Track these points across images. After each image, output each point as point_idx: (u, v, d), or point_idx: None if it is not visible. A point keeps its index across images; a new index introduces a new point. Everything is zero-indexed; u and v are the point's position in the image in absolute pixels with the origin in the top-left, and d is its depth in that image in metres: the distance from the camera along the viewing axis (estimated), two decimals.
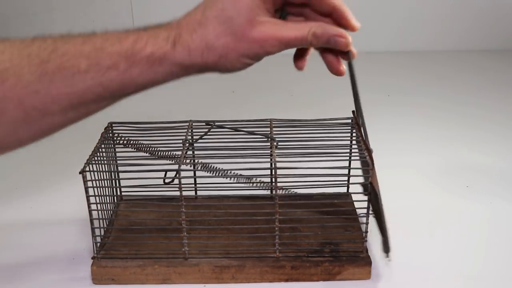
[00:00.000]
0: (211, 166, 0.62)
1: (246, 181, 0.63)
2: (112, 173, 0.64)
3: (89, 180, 0.56)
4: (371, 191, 0.56)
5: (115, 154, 0.65)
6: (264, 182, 0.64)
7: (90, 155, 0.58)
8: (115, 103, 0.53)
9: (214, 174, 0.62)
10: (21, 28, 1.38)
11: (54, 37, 0.50)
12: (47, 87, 0.49)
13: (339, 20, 0.52)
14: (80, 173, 0.55)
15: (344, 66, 0.54)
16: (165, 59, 0.49)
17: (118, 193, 0.68)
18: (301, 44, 0.51)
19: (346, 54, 0.53)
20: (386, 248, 0.57)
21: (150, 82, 0.51)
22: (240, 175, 0.62)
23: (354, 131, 0.64)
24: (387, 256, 0.58)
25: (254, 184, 0.63)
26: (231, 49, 0.49)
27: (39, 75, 0.48)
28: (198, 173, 0.63)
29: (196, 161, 0.63)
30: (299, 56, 0.55)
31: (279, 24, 0.50)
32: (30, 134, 0.52)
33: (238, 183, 0.62)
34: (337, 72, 0.54)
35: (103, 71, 0.49)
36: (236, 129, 0.64)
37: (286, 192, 0.64)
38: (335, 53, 0.54)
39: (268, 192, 0.66)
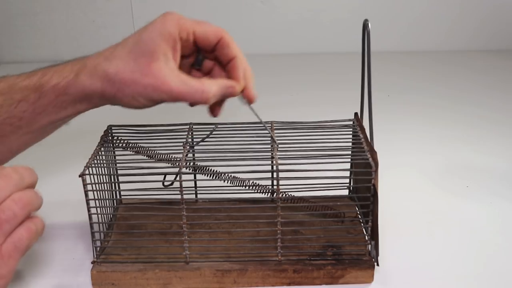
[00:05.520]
0: (211, 169, 0.62)
1: (247, 184, 0.62)
2: (112, 176, 0.63)
3: (89, 184, 0.55)
4: (373, 193, 0.56)
5: (114, 158, 0.65)
6: (265, 186, 0.63)
7: (89, 159, 0.57)
8: (37, 137, 0.59)
9: (214, 178, 0.62)
10: (21, 28, 1.37)
11: None
12: None
13: (231, 71, 0.57)
14: (79, 176, 0.55)
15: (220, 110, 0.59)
16: (69, 87, 0.55)
17: (118, 197, 0.68)
18: (192, 100, 0.54)
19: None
20: (375, 252, 0.57)
21: (60, 111, 0.56)
22: (241, 178, 0.62)
23: (356, 132, 0.64)
24: (375, 260, 0.58)
25: (255, 188, 0.63)
26: (127, 86, 0.53)
27: None
28: (198, 176, 0.62)
29: (196, 164, 0.62)
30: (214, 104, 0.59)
31: (177, 77, 0.54)
32: None
33: (239, 186, 0.62)
34: (213, 115, 0.59)
35: (15, 104, 0.55)
36: (236, 132, 0.63)
37: (288, 195, 0.63)
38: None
39: (270, 195, 0.66)
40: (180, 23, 0.54)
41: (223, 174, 0.62)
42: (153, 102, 0.55)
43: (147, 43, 0.53)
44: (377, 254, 0.58)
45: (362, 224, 0.63)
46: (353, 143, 0.63)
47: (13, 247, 0.46)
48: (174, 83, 0.53)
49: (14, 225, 0.45)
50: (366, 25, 0.58)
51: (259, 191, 0.64)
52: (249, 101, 0.57)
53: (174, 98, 0.54)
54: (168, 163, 0.61)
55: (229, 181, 0.61)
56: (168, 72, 0.53)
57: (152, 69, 0.53)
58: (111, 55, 0.54)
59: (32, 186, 0.49)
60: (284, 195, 0.62)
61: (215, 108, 0.59)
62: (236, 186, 0.62)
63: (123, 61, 0.53)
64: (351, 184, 0.67)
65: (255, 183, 0.63)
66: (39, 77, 0.56)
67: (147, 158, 0.62)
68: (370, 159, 0.56)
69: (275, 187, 0.57)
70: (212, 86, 0.54)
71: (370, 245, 0.58)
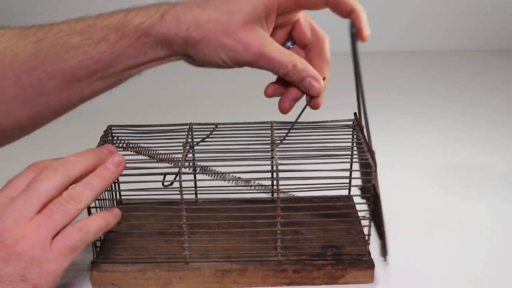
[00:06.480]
0: (211, 169, 0.62)
1: (247, 184, 0.62)
2: None
3: None
4: (373, 193, 0.56)
5: None
6: (265, 185, 0.63)
7: None
8: (109, 85, 0.54)
9: (214, 178, 0.62)
10: None
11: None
12: (42, 63, 0.51)
13: (355, 21, 0.54)
14: None
15: (292, 105, 0.56)
16: (152, 28, 0.50)
17: (118, 197, 0.68)
18: (278, 68, 0.52)
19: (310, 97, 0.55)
20: (384, 251, 0.57)
21: (139, 56, 0.52)
22: (241, 178, 0.62)
23: (356, 132, 0.64)
24: (385, 260, 0.58)
25: (255, 187, 0.63)
26: (216, 36, 0.50)
27: (34, 52, 0.51)
28: (198, 176, 0.62)
29: (196, 164, 0.62)
30: (285, 96, 0.56)
31: (269, 41, 0.51)
32: (28, 114, 0.53)
33: (239, 186, 0.62)
34: (282, 110, 0.56)
35: (94, 44, 0.51)
36: (236, 132, 0.63)
37: (288, 195, 0.63)
38: (294, 94, 0.55)
39: (269, 195, 0.66)
40: None
41: (223, 174, 0.62)
42: (233, 62, 0.52)
43: (247, 1, 0.51)
44: (386, 253, 0.57)
45: (362, 224, 0.63)
46: (353, 143, 0.63)
47: (64, 244, 0.46)
48: (268, 48, 0.50)
49: (67, 217, 0.46)
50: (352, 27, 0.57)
51: (259, 191, 0.64)
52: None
53: (262, 62, 0.51)
54: (168, 163, 0.61)
55: (229, 181, 0.61)
56: (265, 35, 0.51)
57: (248, 27, 0.50)
58: (205, 3, 0.51)
59: (93, 167, 0.50)
60: (284, 195, 0.62)
61: (288, 101, 0.56)
62: (236, 186, 0.62)
63: (217, 11, 0.50)
64: (351, 184, 0.67)
65: (255, 183, 0.63)
66: (122, 16, 0.52)
67: (147, 158, 0.62)
68: (370, 159, 0.56)
69: (275, 187, 0.57)
70: (301, 64, 0.52)
71: (372, 245, 0.58)
